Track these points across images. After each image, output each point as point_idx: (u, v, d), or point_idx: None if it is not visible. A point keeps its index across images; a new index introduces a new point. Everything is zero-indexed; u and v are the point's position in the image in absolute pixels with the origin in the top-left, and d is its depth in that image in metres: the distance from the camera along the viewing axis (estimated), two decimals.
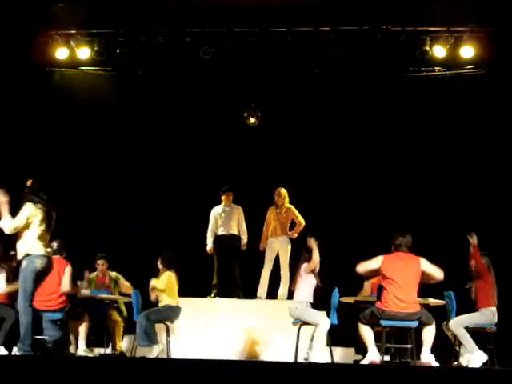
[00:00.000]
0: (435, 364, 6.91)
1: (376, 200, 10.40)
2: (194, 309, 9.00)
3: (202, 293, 9.71)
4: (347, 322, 7.83)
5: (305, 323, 7.87)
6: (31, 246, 6.94)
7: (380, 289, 7.28)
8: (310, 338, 7.79)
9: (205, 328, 8.96)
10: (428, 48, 9.51)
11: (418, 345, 7.05)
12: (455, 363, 7.79)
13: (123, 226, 10.51)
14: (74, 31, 9.74)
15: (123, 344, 8.89)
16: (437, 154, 10.28)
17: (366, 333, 7.01)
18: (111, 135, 10.57)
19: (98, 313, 8.46)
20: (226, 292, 9.70)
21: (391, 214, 10.08)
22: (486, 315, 7.76)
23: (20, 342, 6.89)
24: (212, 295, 9.73)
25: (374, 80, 10.23)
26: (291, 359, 7.74)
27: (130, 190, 10.71)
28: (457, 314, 7.96)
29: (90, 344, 8.27)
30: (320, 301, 8.17)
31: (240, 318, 9.03)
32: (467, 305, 8.02)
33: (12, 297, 8.12)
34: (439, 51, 9.60)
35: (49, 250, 7.09)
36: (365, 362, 6.98)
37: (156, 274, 8.40)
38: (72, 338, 8.23)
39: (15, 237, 7.11)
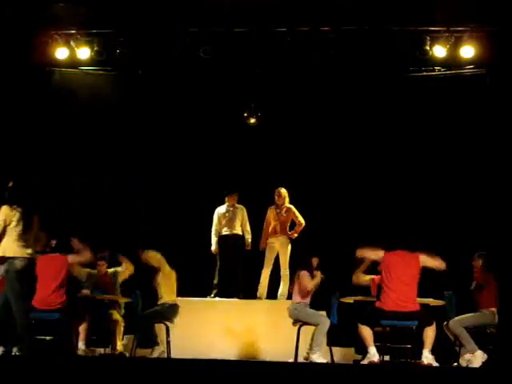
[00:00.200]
0: (435, 364, 6.91)
1: (376, 200, 10.40)
2: (193, 309, 9.00)
3: (202, 293, 9.72)
4: (347, 322, 7.83)
5: (305, 323, 7.87)
6: (7, 249, 6.94)
7: (380, 289, 7.28)
8: (311, 338, 7.79)
9: (205, 328, 8.96)
10: (428, 48, 9.50)
11: (418, 345, 7.05)
12: (455, 363, 7.78)
13: (123, 226, 10.51)
14: (73, 31, 9.73)
15: (123, 344, 8.88)
16: (437, 153, 10.28)
17: (366, 333, 7.02)
18: (111, 135, 10.57)
19: (98, 313, 8.45)
20: (226, 292, 9.70)
21: (391, 214, 10.08)
22: (487, 316, 7.76)
23: (19, 342, 6.90)
24: (212, 295, 9.73)
25: (374, 80, 10.22)
26: (291, 359, 7.74)
27: (130, 190, 10.71)
28: (457, 314, 7.95)
29: (90, 344, 8.26)
30: (320, 301, 8.18)
31: (240, 318, 9.03)
32: (467, 305, 8.02)
33: None
34: (439, 51, 9.59)
35: (29, 251, 7.08)
36: (364, 362, 6.98)
37: (156, 273, 8.40)
38: (72, 337, 8.23)
39: None
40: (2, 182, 9.43)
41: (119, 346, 8.60)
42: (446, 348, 7.94)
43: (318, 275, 7.98)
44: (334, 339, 7.93)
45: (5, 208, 6.99)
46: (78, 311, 7.96)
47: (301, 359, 7.75)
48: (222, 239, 9.94)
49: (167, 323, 8.23)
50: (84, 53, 9.86)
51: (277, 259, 9.79)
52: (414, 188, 10.32)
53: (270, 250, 9.83)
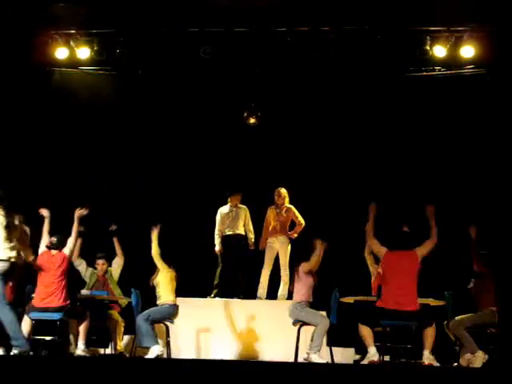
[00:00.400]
0: (436, 365, 6.91)
1: (376, 200, 10.38)
2: (193, 309, 9.00)
3: (202, 293, 9.71)
4: (347, 322, 7.83)
5: (305, 323, 7.87)
6: None
7: (380, 288, 7.29)
8: (311, 338, 7.79)
9: (205, 328, 8.96)
10: (428, 48, 9.50)
11: (418, 345, 7.05)
12: (455, 363, 7.78)
13: (123, 226, 10.50)
14: (73, 31, 9.73)
15: (123, 344, 8.88)
16: (437, 153, 10.28)
17: (366, 333, 7.02)
18: (111, 135, 10.57)
19: (98, 313, 8.44)
20: (226, 292, 9.70)
21: (391, 214, 10.07)
22: (487, 315, 7.75)
23: (13, 341, 6.92)
24: (212, 295, 9.73)
25: (374, 80, 10.22)
26: (291, 359, 7.74)
27: (130, 190, 10.70)
28: (457, 314, 7.94)
29: (90, 344, 8.26)
30: (320, 301, 8.17)
31: (240, 318, 9.03)
32: (467, 305, 8.01)
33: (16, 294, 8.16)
34: (439, 51, 9.58)
35: (12, 254, 7.09)
36: (364, 362, 6.98)
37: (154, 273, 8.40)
38: (72, 337, 8.23)
39: None
40: (2, 182, 9.45)
41: (119, 345, 8.61)
42: (446, 348, 7.94)
43: (318, 246, 7.93)
44: (334, 339, 7.93)
45: None
46: (78, 311, 7.96)
47: (301, 359, 7.74)
48: (224, 239, 9.94)
49: (167, 323, 8.23)
50: (84, 53, 9.85)
51: (277, 259, 9.79)
52: (414, 188, 10.32)
53: (269, 249, 9.83)
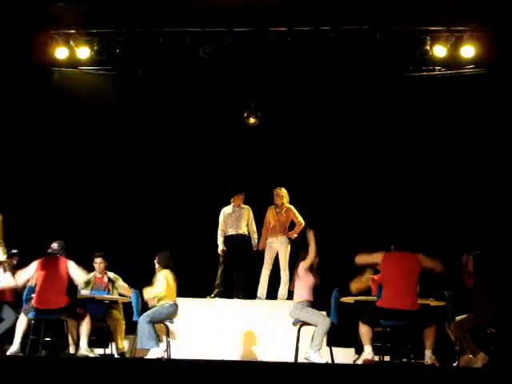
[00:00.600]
0: (437, 365, 6.91)
1: (376, 200, 10.40)
2: (193, 309, 9.00)
3: (202, 293, 9.71)
4: (347, 322, 7.82)
5: (305, 323, 7.87)
6: None
7: (380, 288, 7.29)
8: (311, 338, 7.78)
9: (205, 328, 8.96)
10: (428, 48, 9.51)
11: (418, 345, 7.04)
12: (455, 364, 7.77)
13: (123, 226, 10.51)
14: (73, 31, 9.74)
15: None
16: (437, 153, 10.28)
17: (364, 331, 7.01)
18: (111, 135, 10.57)
19: (98, 313, 8.44)
20: (227, 292, 9.69)
21: (391, 214, 10.08)
22: (486, 315, 7.72)
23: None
24: (212, 295, 9.72)
25: (374, 80, 10.22)
26: (291, 359, 7.74)
27: (130, 190, 10.70)
28: (457, 314, 7.93)
29: (91, 344, 8.25)
30: (320, 301, 8.17)
31: (240, 318, 9.03)
32: (468, 305, 8.00)
33: (16, 294, 8.16)
34: (439, 51, 9.59)
35: None
36: (359, 361, 6.98)
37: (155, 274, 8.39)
38: (71, 338, 8.22)
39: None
40: (2, 182, 9.46)
41: (121, 344, 8.59)
42: (446, 348, 7.94)
43: (310, 237, 7.90)
44: (334, 339, 7.92)
45: None
46: (77, 312, 7.95)
47: (301, 359, 7.74)
48: (227, 239, 9.95)
49: (167, 323, 8.23)
50: (84, 52, 9.86)
51: (276, 259, 9.78)
52: (414, 188, 10.32)
53: (269, 249, 9.82)
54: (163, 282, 8.08)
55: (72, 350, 8.18)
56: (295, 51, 9.67)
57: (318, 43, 9.60)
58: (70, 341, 8.20)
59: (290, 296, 8.37)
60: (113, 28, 9.70)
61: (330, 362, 7.74)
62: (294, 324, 7.94)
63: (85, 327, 7.81)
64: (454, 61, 9.78)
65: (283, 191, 9.85)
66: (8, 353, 7.61)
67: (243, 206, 10.00)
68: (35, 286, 7.79)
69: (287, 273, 9.57)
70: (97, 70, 10.28)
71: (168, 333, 8.24)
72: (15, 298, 8.24)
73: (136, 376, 5.92)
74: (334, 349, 7.92)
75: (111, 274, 8.93)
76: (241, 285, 9.74)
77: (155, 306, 8.13)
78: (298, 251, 9.47)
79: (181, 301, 8.37)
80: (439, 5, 8.96)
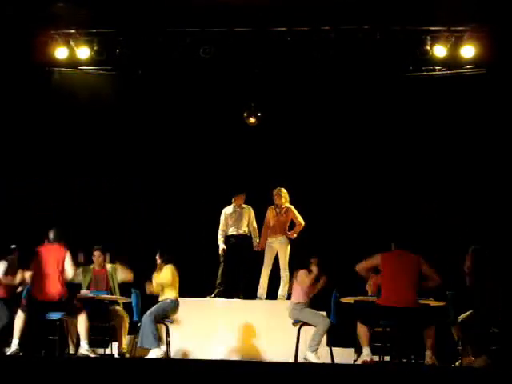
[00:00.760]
0: (437, 365, 6.91)
1: (376, 200, 10.40)
2: (193, 309, 9.00)
3: (202, 293, 9.71)
4: (347, 322, 7.82)
5: (305, 323, 7.87)
6: None
7: (379, 290, 7.29)
8: (311, 338, 7.79)
9: (205, 328, 8.96)
10: (428, 47, 9.51)
11: (418, 345, 7.04)
12: (457, 363, 7.76)
13: (123, 226, 10.51)
14: (73, 31, 9.74)
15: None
16: (437, 153, 10.28)
17: (363, 332, 7.01)
18: (111, 135, 10.56)
19: (101, 312, 8.42)
20: (226, 292, 9.69)
21: (391, 214, 10.07)
22: (488, 314, 7.70)
23: None
24: (213, 295, 9.72)
25: (375, 80, 10.22)
26: (291, 359, 7.74)
27: (130, 190, 10.70)
28: (459, 315, 7.91)
29: (91, 344, 8.24)
30: (320, 301, 8.17)
31: (240, 318, 9.03)
32: (469, 305, 7.99)
33: (10, 291, 8.14)
34: (440, 51, 9.59)
35: None
36: (358, 362, 6.97)
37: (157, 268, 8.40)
38: (70, 338, 8.19)
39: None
40: (2, 182, 9.46)
41: (125, 343, 8.55)
42: (446, 348, 7.93)
43: (314, 270, 7.98)
44: (333, 339, 7.93)
45: None
46: (76, 308, 7.86)
47: (301, 359, 7.74)
48: (228, 239, 9.96)
49: (167, 323, 8.24)
50: (84, 52, 9.86)
51: (276, 259, 9.79)
52: (414, 187, 10.32)
53: (269, 250, 9.82)
54: (169, 273, 8.17)
55: (72, 349, 8.17)
56: (295, 51, 9.67)
57: (318, 43, 9.60)
58: (69, 340, 8.18)
59: (290, 296, 8.37)
60: (113, 28, 9.70)
61: (328, 362, 7.75)
62: (294, 324, 7.95)
63: (83, 325, 7.63)
64: (453, 61, 9.78)
65: (283, 191, 9.85)
66: (8, 353, 7.58)
67: (244, 205, 10.01)
68: (32, 275, 7.77)
69: (287, 273, 9.57)
70: (97, 70, 10.28)
71: (168, 333, 8.24)
72: (9, 295, 8.20)
73: (136, 376, 5.92)
74: (333, 349, 7.93)
75: (109, 267, 8.82)
76: (241, 285, 9.75)
77: (151, 293, 8.20)
78: (297, 251, 9.51)
79: (181, 301, 8.38)
80: (439, 5, 8.96)
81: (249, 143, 10.69)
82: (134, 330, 8.40)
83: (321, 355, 7.71)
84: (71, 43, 9.83)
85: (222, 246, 9.93)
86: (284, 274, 9.67)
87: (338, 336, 8.03)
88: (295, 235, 9.84)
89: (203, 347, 8.70)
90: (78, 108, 10.33)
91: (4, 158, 9.70)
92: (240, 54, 9.75)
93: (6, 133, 9.73)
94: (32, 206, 9.97)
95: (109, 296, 8.62)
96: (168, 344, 8.18)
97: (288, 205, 9.89)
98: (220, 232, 9.98)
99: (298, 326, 7.89)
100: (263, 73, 10.06)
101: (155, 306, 8.15)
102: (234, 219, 9.96)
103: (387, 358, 7.72)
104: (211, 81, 10.32)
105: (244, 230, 9.94)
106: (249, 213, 10.01)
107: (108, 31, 9.73)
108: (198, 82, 10.38)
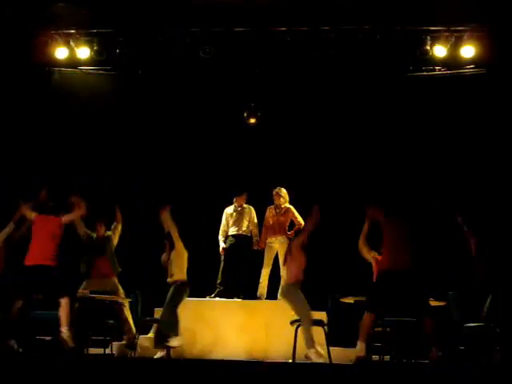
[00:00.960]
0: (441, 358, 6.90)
1: (376, 200, 10.37)
2: (193, 309, 9.00)
3: (202, 293, 9.71)
4: (347, 322, 7.82)
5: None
6: None
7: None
8: (302, 336, 7.77)
9: (204, 328, 8.96)
10: (428, 47, 9.52)
11: (418, 344, 7.04)
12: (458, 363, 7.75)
13: (123, 226, 10.49)
14: (73, 31, 9.74)
15: (123, 343, 8.86)
16: (437, 153, 10.28)
17: (365, 324, 6.96)
18: (111, 135, 10.56)
19: (99, 312, 8.44)
20: (227, 292, 9.69)
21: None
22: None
23: None
24: (213, 295, 9.73)
25: (375, 80, 10.22)
26: (291, 359, 7.74)
27: (130, 190, 10.70)
28: (460, 314, 7.91)
29: (91, 344, 8.25)
30: (320, 301, 8.18)
31: (240, 318, 9.03)
32: (470, 305, 7.99)
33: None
34: (440, 51, 9.60)
35: None
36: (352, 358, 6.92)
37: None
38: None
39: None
40: (2, 182, 9.45)
41: (134, 329, 8.60)
42: (448, 347, 7.93)
43: (316, 210, 8.13)
44: (333, 339, 7.92)
45: None
46: (64, 293, 7.68)
47: (299, 359, 7.72)
48: (228, 239, 9.96)
49: None
50: (84, 52, 9.87)
51: (276, 259, 9.79)
52: (414, 188, 10.30)
53: (268, 249, 9.83)
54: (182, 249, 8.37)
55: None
56: (295, 51, 9.68)
57: (318, 43, 9.61)
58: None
59: None
60: (113, 28, 9.71)
61: (327, 361, 7.74)
62: (292, 324, 7.95)
63: (65, 310, 7.50)
64: (453, 61, 9.79)
65: (283, 191, 9.85)
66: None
67: (245, 206, 10.03)
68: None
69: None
70: (97, 70, 10.28)
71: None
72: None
73: (136, 376, 5.92)
74: (333, 349, 7.92)
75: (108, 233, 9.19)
76: (240, 284, 9.75)
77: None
78: None
79: None
80: (439, 5, 8.96)
81: (249, 143, 10.69)
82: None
83: (321, 350, 7.68)
84: (71, 43, 9.84)
85: (222, 245, 9.95)
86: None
87: (337, 336, 8.03)
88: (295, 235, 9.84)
89: (203, 347, 8.70)
90: (78, 108, 10.33)
91: (4, 158, 9.69)
92: (240, 54, 9.75)
93: (6, 133, 9.73)
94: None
95: (109, 296, 8.63)
96: None
97: (287, 205, 9.89)
98: (221, 232, 10.01)
99: (295, 326, 7.90)
100: (263, 73, 10.06)
101: (170, 295, 8.22)
102: (234, 219, 9.98)
103: (387, 358, 7.72)
104: (211, 81, 10.33)
105: (244, 229, 9.95)
106: (250, 213, 10.02)
107: (108, 31, 9.74)
108: (198, 82, 10.39)
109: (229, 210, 10.07)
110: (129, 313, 8.71)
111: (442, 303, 8.06)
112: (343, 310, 8.12)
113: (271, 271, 9.83)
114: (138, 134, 10.70)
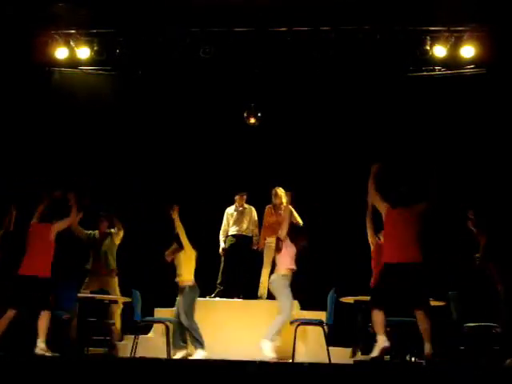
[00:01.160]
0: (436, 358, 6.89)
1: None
2: None
3: (202, 293, 9.70)
4: (347, 322, 7.82)
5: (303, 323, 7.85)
6: None
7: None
8: (271, 325, 7.81)
9: (204, 328, 8.95)
10: (428, 48, 9.51)
11: (419, 344, 7.03)
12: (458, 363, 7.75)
13: (123, 226, 10.49)
14: (73, 31, 9.75)
15: (123, 343, 8.86)
16: (437, 153, 10.27)
17: (377, 319, 6.90)
18: (111, 135, 10.57)
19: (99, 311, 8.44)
20: (226, 292, 9.69)
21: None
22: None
23: None
24: (213, 295, 9.73)
25: (375, 80, 10.22)
26: (291, 359, 7.74)
27: (130, 190, 10.70)
28: (461, 314, 7.91)
29: (91, 344, 8.25)
30: (318, 301, 8.17)
31: (240, 318, 9.03)
32: (471, 305, 7.99)
33: None
34: (439, 51, 9.59)
35: None
36: (376, 350, 6.84)
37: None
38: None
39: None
40: (2, 181, 9.45)
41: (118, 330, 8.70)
42: (446, 348, 7.94)
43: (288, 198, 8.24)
44: (333, 339, 7.92)
45: None
46: (45, 306, 7.63)
47: (299, 359, 7.73)
48: (229, 239, 9.97)
49: (167, 323, 8.25)
50: (84, 53, 9.87)
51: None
52: (413, 187, 10.29)
53: (268, 249, 9.81)
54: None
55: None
56: (295, 51, 9.68)
57: (318, 43, 9.60)
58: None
59: None
60: (113, 28, 9.71)
61: (328, 362, 7.75)
62: (292, 324, 7.95)
63: (44, 323, 7.47)
64: (453, 61, 9.78)
65: (281, 191, 9.84)
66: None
67: (246, 206, 10.05)
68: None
69: None
70: (97, 70, 10.28)
71: (168, 333, 8.24)
72: None
73: (136, 376, 5.92)
74: (332, 349, 7.92)
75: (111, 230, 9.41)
76: (240, 284, 9.75)
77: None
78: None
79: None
80: (439, 5, 8.96)
81: (249, 143, 10.69)
82: (134, 330, 8.40)
83: (276, 348, 7.71)
84: (71, 43, 9.84)
85: (222, 245, 9.95)
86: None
87: (336, 336, 8.03)
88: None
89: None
90: (78, 108, 10.33)
91: (4, 158, 9.69)
92: (240, 54, 9.75)
93: (6, 133, 9.73)
94: (32, 205, 9.96)
95: (109, 296, 8.64)
96: (168, 344, 8.18)
97: (286, 204, 9.88)
98: (221, 231, 10.02)
99: (295, 326, 7.90)
100: (263, 73, 10.06)
101: (182, 305, 8.24)
102: (235, 219, 9.99)
103: (387, 358, 7.71)
104: (211, 81, 10.33)
105: (245, 229, 9.96)
106: (250, 213, 10.04)
107: (108, 31, 9.74)
108: (198, 83, 10.39)
109: (230, 209, 10.09)
110: (119, 312, 8.72)
111: (441, 303, 8.07)
112: (342, 309, 8.11)
113: (271, 271, 9.82)
114: (138, 134, 10.71)
